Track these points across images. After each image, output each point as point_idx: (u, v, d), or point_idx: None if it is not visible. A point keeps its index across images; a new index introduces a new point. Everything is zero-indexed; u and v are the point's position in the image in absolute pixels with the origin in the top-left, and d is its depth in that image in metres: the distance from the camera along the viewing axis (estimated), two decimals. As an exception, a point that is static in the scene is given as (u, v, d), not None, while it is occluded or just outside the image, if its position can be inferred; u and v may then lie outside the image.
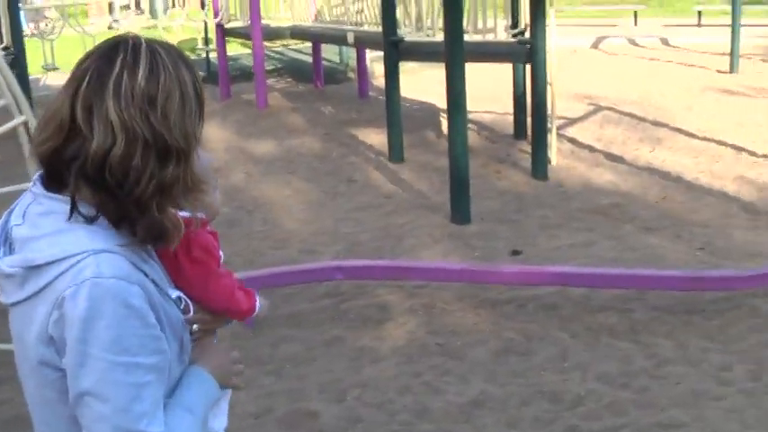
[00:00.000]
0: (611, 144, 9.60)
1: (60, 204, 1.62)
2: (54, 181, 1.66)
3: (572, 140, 9.76)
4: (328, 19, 12.23)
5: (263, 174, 9.20)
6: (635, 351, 5.08)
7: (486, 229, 7.23)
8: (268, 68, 14.57)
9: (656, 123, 10.46)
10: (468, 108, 7.47)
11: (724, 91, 12.48)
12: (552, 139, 8.75)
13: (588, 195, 7.95)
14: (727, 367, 4.85)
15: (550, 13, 8.51)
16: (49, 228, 1.61)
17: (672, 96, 12.17)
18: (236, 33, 13.69)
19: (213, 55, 14.76)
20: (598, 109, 11.29)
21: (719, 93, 12.36)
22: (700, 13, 20.75)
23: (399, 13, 9.30)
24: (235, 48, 16.35)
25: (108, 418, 1.56)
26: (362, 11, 10.97)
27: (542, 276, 5.78)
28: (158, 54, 1.62)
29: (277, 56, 17.37)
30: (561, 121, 10.33)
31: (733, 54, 14.20)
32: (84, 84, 1.58)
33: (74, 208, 1.60)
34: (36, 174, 1.71)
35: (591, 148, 9.44)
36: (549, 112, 8.54)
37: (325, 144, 10.17)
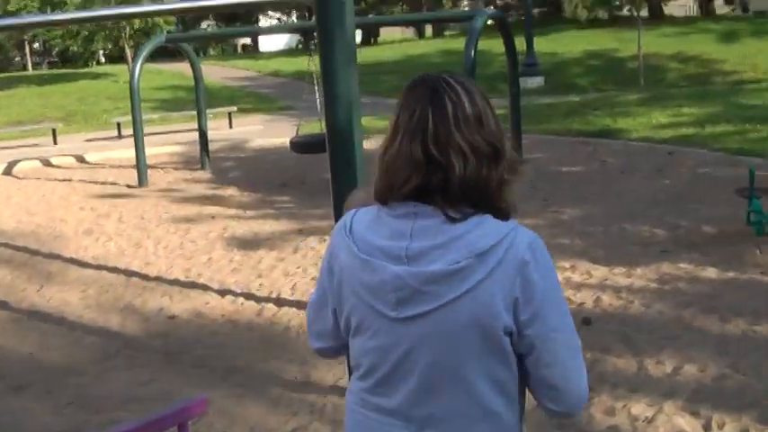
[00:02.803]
0: (-3, 288, 8.68)
1: (446, 217, 1.94)
2: (427, 201, 1.96)
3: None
4: None
5: None
6: None
7: None
8: None
9: (51, 255, 9.73)
10: None
11: (129, 209, 12.13)
12: None
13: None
14: None
15: None
16: (464, 227, 1.94)
17: (75, 221, 11.55)
18: None
19: None
20: (-12, 247, 10.31)
21: (124, 211, 11.98)
22: (119, 124, 20.59)
23: None
24: None
25: (568, 342, 1.97)
26: None
27: None
28: (463, 82, 1.99)
29: None
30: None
31: (140, 167, 14.00)
32: (431, 128, 1.92)
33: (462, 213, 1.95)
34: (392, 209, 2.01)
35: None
36: None
37: None
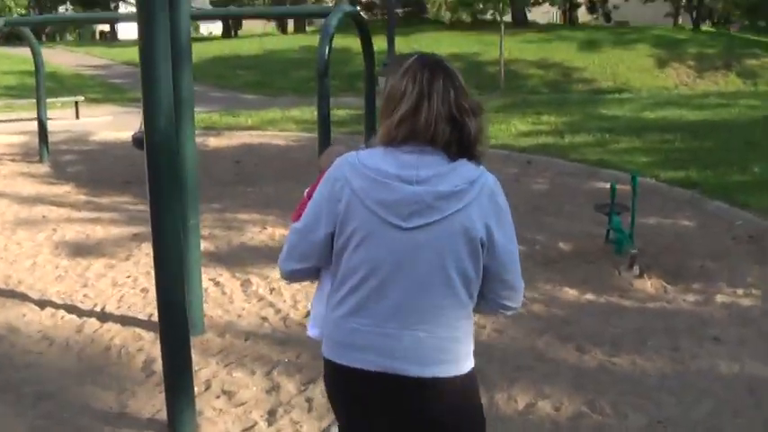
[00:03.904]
0: None
1: (446, 156, 2.66)
2: (437, 148, 2.64)
3: None
4: None
5: None
6: None
7: None
8: None
9: None
10: None
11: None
12: None
13: None
14: None
15: None
16: (455, 164, 2.63)
17: None
18: None
19: None
20: None
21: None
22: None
23: None
24: None
25: (516, 254, 2.72)
26: None
27: None
28: (451, 64, 2.73)
29: None
30: None
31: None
32: (452, 96, 2.63)
33: (458, 156, 2.67)
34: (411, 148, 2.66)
35: None
36: None
37: None
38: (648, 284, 7.27)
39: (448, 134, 2.61)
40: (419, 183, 2.59)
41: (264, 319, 6.65)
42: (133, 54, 35.65)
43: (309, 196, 2.97)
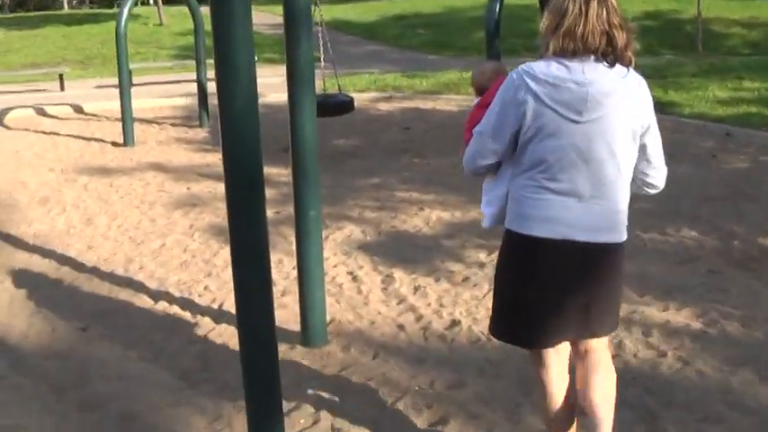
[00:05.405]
0: None
1: (604, 63, 3.16)
2: (596, 56, 3.14)
3: None
4: None
5: None
6: None
7: None
8: None
9: (-9, 228, 8.29)
10: None
11: (100, 173, 10.66)
12: None
13: None
14: None
15: None
16: (613, 69, 3.14)
17: (36, 185, 10.13)
18: None
19: None
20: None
21: (93, 176, 10.50)
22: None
23: None
24: None
25: (660, 140, 3.34)
26: None
27: None
28: None
29: None
30: None
31: (125, 124, 12.50)
32: (604, 14, 3.09)
33: (614, 63, 3.18)
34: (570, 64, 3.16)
35: None
36: None
37: None
38: None
39: (604, 45, 3.12)
40: (588, 84, 3.10)
41: (401, 328, 5.63)
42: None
43: (481, 106, 3.66)
